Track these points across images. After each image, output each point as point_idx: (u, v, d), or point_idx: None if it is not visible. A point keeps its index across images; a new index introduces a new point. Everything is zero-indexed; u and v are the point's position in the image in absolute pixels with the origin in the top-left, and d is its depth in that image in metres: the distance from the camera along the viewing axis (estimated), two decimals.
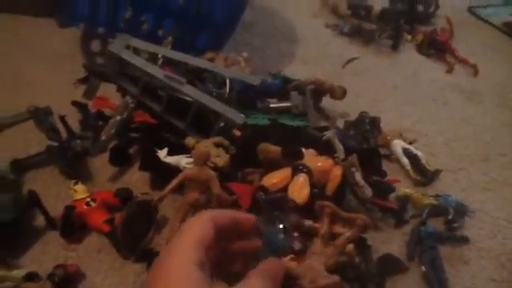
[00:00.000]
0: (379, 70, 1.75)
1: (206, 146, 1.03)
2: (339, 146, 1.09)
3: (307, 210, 0.94)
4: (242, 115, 1.09)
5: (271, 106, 1.29)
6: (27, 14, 1.65)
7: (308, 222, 0.92)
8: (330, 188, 1.01)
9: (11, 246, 0.90)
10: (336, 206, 0.93)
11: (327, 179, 1.02)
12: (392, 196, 1.10)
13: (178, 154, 1.04)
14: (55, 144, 1.09)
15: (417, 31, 1.99)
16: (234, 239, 0.48)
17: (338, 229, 0.93)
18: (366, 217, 0.92)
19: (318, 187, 0.99)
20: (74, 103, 1.20)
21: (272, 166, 1.03)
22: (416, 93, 1.64)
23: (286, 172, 1.00)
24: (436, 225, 1.09)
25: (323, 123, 1.32)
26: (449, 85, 1.71)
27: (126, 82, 1.16)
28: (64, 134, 1.14)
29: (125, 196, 1.00)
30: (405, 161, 1.23)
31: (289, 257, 0.85)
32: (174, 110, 1.13)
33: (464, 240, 1.07)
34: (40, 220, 0.96)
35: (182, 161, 1.02)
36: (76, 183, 0.99)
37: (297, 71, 1.53)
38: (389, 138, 1.28)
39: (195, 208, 0.94)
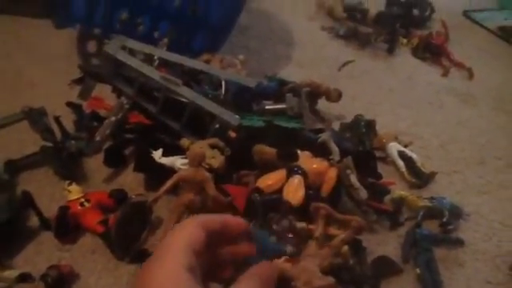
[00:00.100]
0: (375, 73, 1.76)
1: (201, 147, 1.03)
2: (334, 148, 1.09)
3: (302, 211, 0.94)
4: (237, 117, 1.09)
5: (267, 107, 1.29)
6: (27, 15, 1.65)
7: (300, 224, 0.91)
8: (325, 190, 1.01)
9: (5, 247, 0.89)
10: (331, 208, 0.93)
11: (322, 181, 1.02)
12: (387, 198, 1.10)
13: (173, 155, 1.03)
14: (50, 144, 1.08)
15: (412, 35, 2.00)
16: (225, 244, 0.47)
17: (332, 231, 0.93)
18: (360, 219, 0.92)
19: (313, 189, 0.99)
20: (69, 104, 1.19)
21: (267, 167, 1.03)
22: (412, 96, 1.64)
23: (281, 174, 1.00)
24: (431, 227, 1.09)
25: (319, 125, 1.32)
26: (444, 88, 1.72)
27: (121, 82, 1.16)
28: (59, 134, 1.13)
29: (119, 197, 0.99)
30: (400, 163, 1.23)
31: (283, 258, 0.85)
32: (170, 111, 1.13)
33: (459, 242, 1.08)
34: (34, 220, 0.95)
35: (177, 162, 1.01)
36: (70, 184, 0.98)
37: (293, 74, 1.54)
38: (384, 140, 1.28)
39: (190, 209, 0.94)
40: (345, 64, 1.74)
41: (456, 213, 1.12)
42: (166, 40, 1.36)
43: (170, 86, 1.09)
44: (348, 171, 1.01)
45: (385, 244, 1.04)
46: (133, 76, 1.14)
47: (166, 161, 1.02)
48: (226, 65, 1.38)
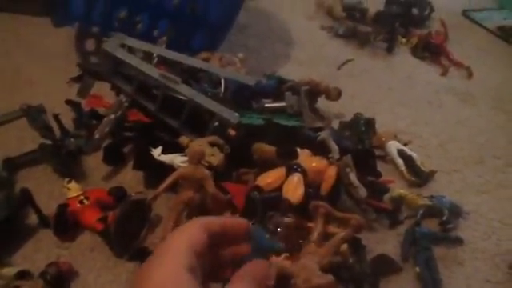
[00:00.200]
0: (374, 72, 1.76)
1: (200, 144, 1.02)
2: (334, 147, 1.09)
3: (302, 209, 0.93)
4: (236, 114, 1.09)
5: (266, 105, 1.29)
6: (26, 13, 1.64)
7: (287, 219, 0.90)
8: (325, 188, 1.01)
9: (3, 244, 0.89)
10: (330, 206, 0.93)
11: (322, 179, 1.01)
12: (386, 197, 1.10)
13: (172, 153, 1.03)
14: (49, 142, 1.08)
15: (412, 34, 1.99)
16: (227, 245, 0.47)
17: (332, 229, 0.93)
18: (360, 217, 0.92)
19: (312, 187, 0.99)
20: (68, 102, 1.19)
21: (266, 165, 1.03)
22: (411, 95, 1.64)
23: (280, 172, 1.00)
24: (430, 226, 1.09)
25: (318, 124, 1.31)
26: (443, 87, 1.72)
27: (120, 80, 1.15)
28: (58, 132, 1.13)
29: (118, 194, 0.99)
30: (399, 162, 1.23)
31: (283, 256, 0.85)
32: (169, 109, 1.12)
33: (458, 241, 1.08)
34: (33, 218, 0.95)
35: (177, 159, 1.01)
36: (69, 181, 0.98)
37: (292, 72, 1.53)
38: (384, 139, 1.28)
39: (189, 207, 0.94)
40: (344, 63, 1.74)
41: (455, 211, 1.12)
42: (164, 38, 1.36)
43: (169, 84, 1.08)
44: (347, 169, 1.01)
45: (384, 242, 1.04)
46: (132, 74, 1.13)
47: (165, 158, 1.02)
48: (225, 63, 1.38)
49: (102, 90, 1.23)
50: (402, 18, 2.02)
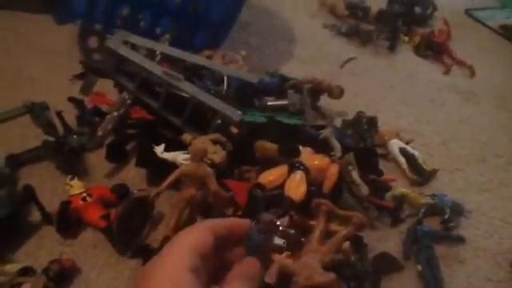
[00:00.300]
0: (377, 70, 1.76)
1: (203, 142, 1.03)
2: (336, 144, 1.09)
3: (304, 207, 0.94)
4: (239, 112, 1.09)
5: (268, 103, 1.30)
6: (26, 10, 1.64)
7: (267, 216, 0.90)
8: (327, 186, 1.01)
9: (6, 241, 0.89)
10: (332, 204, 0.93)
11: (324, 177, 1.02)
12: (388, 195, 1.11)
13: (174, 151, 1.03)
14: (52, 139, 1.08)
15: (414, 33, 1.99)
16: (233, 247, 0.47)
17: (334, 227, 0.93)
18: (362, 215, 0.92)
19: (314, 185, 0.99)
20: (71, 99, 1.19)
21: (269, 163, 1.03)
22: (413, 93, 1.64)
23: (282, 169, 1.00)
24: (432, 224, 1.09)
25: (320, 122, 1.32)
26: (446, 86, 1.72)
27: (123, 77, 1.15)
28: (61, 130, 1.13)
29: (121, 192, 0.99)
30: (401, 160, 1.23)
31: (285, 254, 0.85)
32: (171, 107, 1.12)
33: (460, 240, 1.08)
34: (36, 215, 0.95)
35: (179, 157, 1.01)
36: (72, 178, 0.98)
37: (294, 70, 1.53)
38: (386, 137, 1.28)
39: (192, 204, 0.94)
40: (347, 61, 1.74)
41: (457, 210, 1.13)
42: (168, 36, 1.36)
43: (172, 81, 1.08)
44: (349, 167, 1.01)
45: (386, 240, 1.04)
46: (134, 71, 1.14)
47: (167, 156, 1.03)
48: (227, 61, 1.38)
49: (105, 87, 1.23)
50: (404, 17, 2.02)
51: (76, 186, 0.97)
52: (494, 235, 1.11)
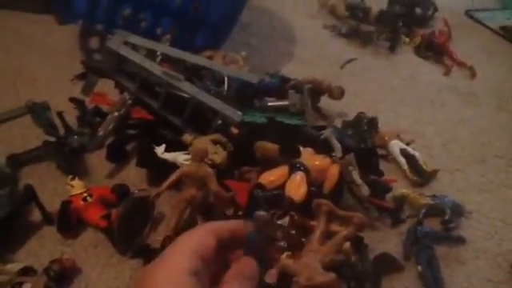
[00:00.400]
0: (377, 71, 1.76)
1: (203, 142, 1.03)
2: (337, 145, 1.09)
3: (304, 208, 0.94)
4: (239, 113, 1.09)
5: (269, 104, 1.30)
6: (27, 10, 1.64)
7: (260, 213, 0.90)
8: (328, 186, 1.01)
9: (7, 241, 0.89)
10: (333, 205, 0.93)
11: (324, 178, 1.02)
12: (389, 196, 1.11)
13: (175, 151, 1.04)
14: (52, 139, 1.08)
15: (415, 33, 1.99)
16: (236, 249, 0.47)
17: (334, 227, 0.93)
18: (362, 215, 0.92)
19: (315, 185, 0.99)
20: (72, 99, 1.19)
21: (269, 163, 1.03)
22: (413, 94, 1.64)
23: (283, 170, 1.00)
24: (432, 225, 1.09)
25: (321, 122, 1.32)
26: (446, 87, 1.72)
27: (123, 78, 1.16)
28: (62, 130, 1.13)
29: (122, 192, 0.99)
30: (402, 161, 1.23)
31: (285, 254, 0.86)
32: (172, 107, 1.13)
33: (460, 240, 1.08)
34: (36, 215, 0.95)
35: (180, 157, 1.01)
36: (73, 178, 0.98)
37: (295, 71, 1.53)
38: (386, 138, 1.28)
39: (192, 205, 0.94)
40: (347, 62, 1.74)
41: (457, 211, 1.13)
42: (168, 36, 1.36)
43: (172, 82, 1.09)
44: (350, 168, 1.01)
45: (386, 241, 1.04)
46: (135, 71, 1.14)
47: (168, 156, 1.03)
48: (228, 61, 1.38)
49: (106, 87, 1.23)
50: (404, 18, 2.02)
51: (77, 186, 0.97)
52: (494, 236, 1.11)
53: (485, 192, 1.25)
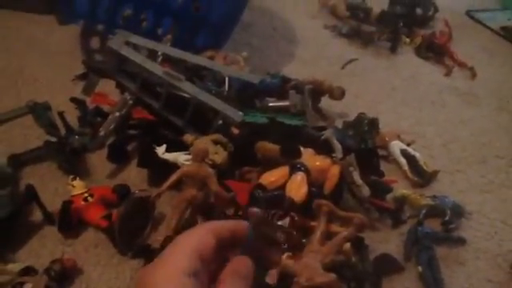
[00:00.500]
0: (378, 71, 1.76)
1: (204, 143, 1.03)
2: (337, 146, 1.09)
3: (305, 208, 0.94)
4: (240, 113, 1.09)
5: (270, 104, 1.30)
6: (29, 10, 1.64)
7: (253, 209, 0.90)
8: (328, 187, 1.01)
9: (8, 241, 0.89)
10: (333, 205, 0.93)
11: (325, 178, 1.02)
12: (389, 196, 1.11)
13: (176, 151, 1.04)
14: (54, 139, 1.08)
15: (415, 34, 1.99)
16: (235, 249, 0.47)
17: (335, 228, 0.93)
18: (363, 216, 0.92)
19: (315, 186, 0.99)
20: (73, 99, 1.19)
21: (270, 164, 1.03)
22: (414, 95, 1.64)
23: (283, 170, 1.00)
24: (433, 226, 1.09)
25: (321, 123, 1.32)
26: (447, 87, 1.72)
27: (124, 78, 1.16)
28: (63, 130, 1.13)
29: (122, 192, 0.99)
30: (402, 161, 1.23)
31: (286, 255, 0.86)
32: (173, 107, 1.13)
33: (461, 241, 1.08)
34: (37, 215, 0.95)
35: (180, 158, 1.02)
36: (74, 178, 0.98)
37: (295, 71, 1.53)
38: (387, 139, 1.28)
39: (193, 205, 0.94)
40: (348, 62, 1.74)
41: (458, 211, 1.13)
42: (169, 36, 1.36)
43: (173, 82, 1.09)
44: (351, 168, 1.01)
45: (387, 242, 1.05)
46: (136, 71, 1.14)
47: (169, 156, 1.03)
48: (229, 62, 1.38)
49: (107, 87, 1.23)
50: (405, 18, 2.02)
51: (78, 186, 0.97)
52: (494, 237, 1.11)
53: (485, 193, 1.25)
